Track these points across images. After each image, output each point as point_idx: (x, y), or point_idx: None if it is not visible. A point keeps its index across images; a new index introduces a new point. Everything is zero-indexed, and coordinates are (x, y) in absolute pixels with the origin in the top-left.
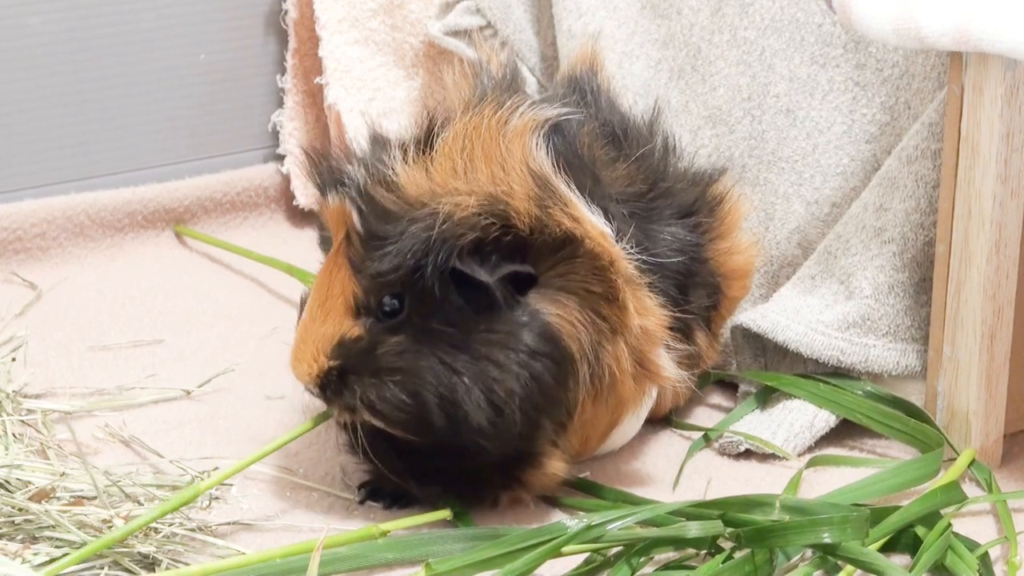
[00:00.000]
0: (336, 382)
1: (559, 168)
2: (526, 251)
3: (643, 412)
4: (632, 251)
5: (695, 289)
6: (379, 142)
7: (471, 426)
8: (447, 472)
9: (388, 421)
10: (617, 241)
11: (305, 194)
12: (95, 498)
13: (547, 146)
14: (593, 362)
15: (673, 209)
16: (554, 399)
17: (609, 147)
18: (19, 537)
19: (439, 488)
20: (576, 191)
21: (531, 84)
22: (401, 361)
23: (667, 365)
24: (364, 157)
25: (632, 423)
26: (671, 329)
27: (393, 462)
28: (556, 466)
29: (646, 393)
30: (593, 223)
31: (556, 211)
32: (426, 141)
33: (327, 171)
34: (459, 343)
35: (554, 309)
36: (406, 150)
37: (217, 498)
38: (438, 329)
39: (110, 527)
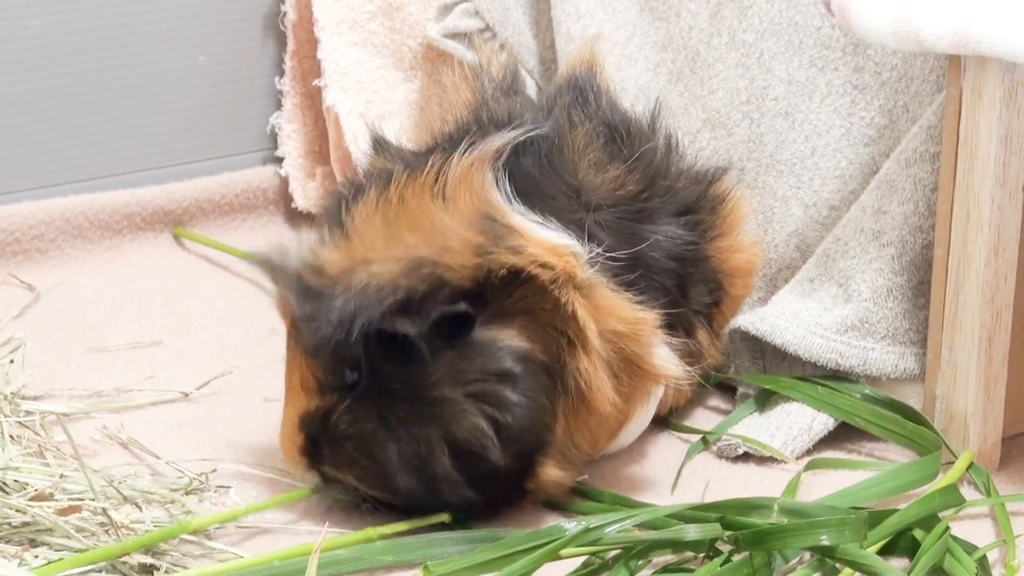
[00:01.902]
0: (312, 453)
1: (517, 191)
2: (472, 296)
3: (651, 408)
4: (600, 255)
5: (695, 286)
6: (381, 146)
7: (442, 476)
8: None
9: (366, 484)
10: (585, 249)
11: (304, 196)
12: (93, 500)
13: (505, 172)
14: (560, 374)
15: (672, 207)
16: (542, 400)
17: (606, 149)
18: (17, 539)
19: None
20: (527, 215)
21: (530, 87)
22: (355, 426)
23: (669, 363)
24: (296, 246)
25: (641, 420)
26: (670, 327)
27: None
28: (552, 473)
29: (652, 392)
30: (540, 243)
31: (498, 253)
32: (338, 221)
33: (271, 268)
34: (409, 395)
35: (510, 331)
36: (322, 233)
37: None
38: (390, 388)
39: (108, 530)
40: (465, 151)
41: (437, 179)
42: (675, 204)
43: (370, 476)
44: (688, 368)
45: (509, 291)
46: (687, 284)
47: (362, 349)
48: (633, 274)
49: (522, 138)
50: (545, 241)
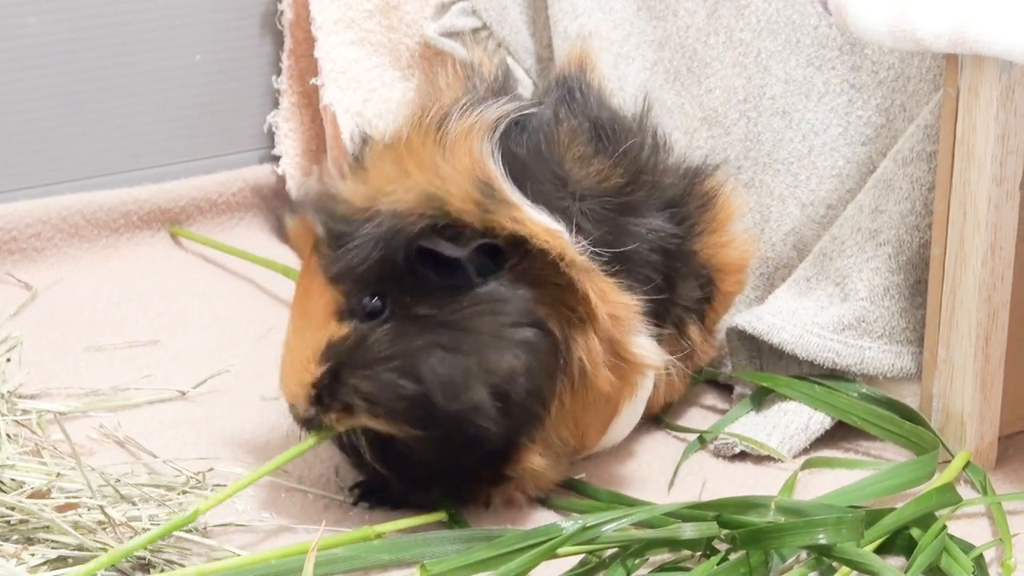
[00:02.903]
0: (330, 385)
1: (508, 172)
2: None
3: (640, 405)
4: (586, 244)
5: (683, 281)
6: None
7: (472, 403)
8: (440, 475)
9: (388, 412)
10: (572, 236)
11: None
12: (91, 498)
13: (499, 149)
14: (565, 352)
15: (656, 202)
16: (550, 371)
17: (591, 144)
18: (15, 538)
19: (433, 493)
20: (520, 195)
21: (527, 86)
22: (394, 346)
23: (648, 352)
24: (313, 183)
25: (629, 416)
26: (656, 318)
27: (388, 469)
28: (536, 461)
29: (638, 384)
30: (536, 221)
31: (500, 215)
32: (358, 158)
33: (283, 202)
34: (447, 322)
35: (526, 293)
36: (342, 169)
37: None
38: (423, 314)
39: (105, 528)
40: (464, 109)
41: (439, 127)
42: (660, 199)
43: (401, 403)
44: (669, 357)
45: (518, 256)
46: (674, 278)
47: (405, 269)
48: (616, 265)
49: (518, 114)
50: (540, 220)
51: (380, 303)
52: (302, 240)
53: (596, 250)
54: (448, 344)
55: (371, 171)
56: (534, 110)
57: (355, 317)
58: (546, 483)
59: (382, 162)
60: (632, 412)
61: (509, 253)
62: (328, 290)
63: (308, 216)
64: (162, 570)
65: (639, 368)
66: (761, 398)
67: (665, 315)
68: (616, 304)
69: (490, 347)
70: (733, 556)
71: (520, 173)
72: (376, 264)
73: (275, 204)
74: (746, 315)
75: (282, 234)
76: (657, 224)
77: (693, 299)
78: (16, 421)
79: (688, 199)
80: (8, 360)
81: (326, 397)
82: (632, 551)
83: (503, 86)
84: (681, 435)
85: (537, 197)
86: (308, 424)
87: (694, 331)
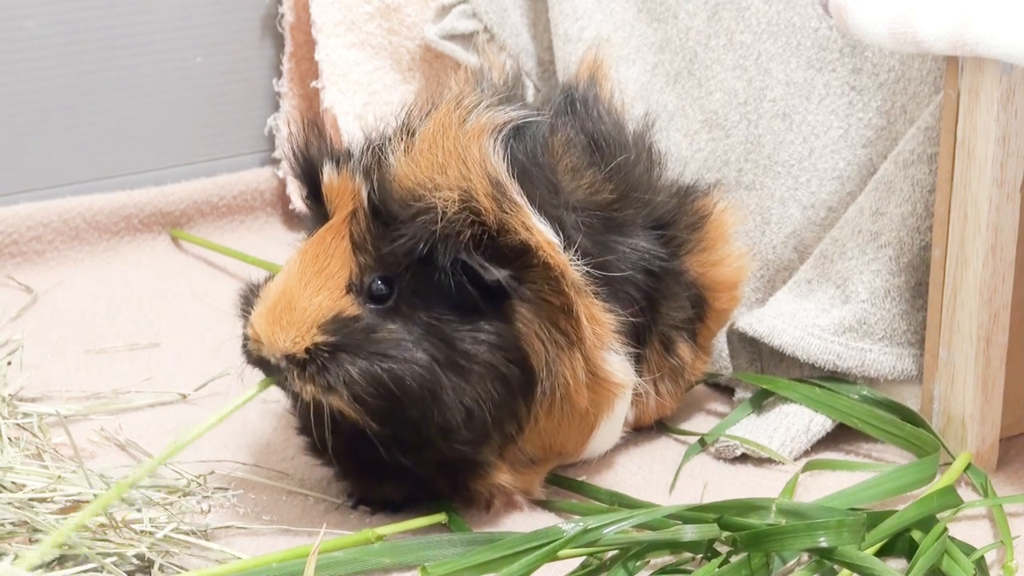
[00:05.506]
0: (324, 362)
1: (513, 175)
2: (495, 252)
3: (616, 421)
4: (578, 261)
5: (670, 300)
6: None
7: (441, 423)
8: (395, 472)
9: (364, 405)
10: (565, 250)
11: (301, 198)
12: (92, 501)
13: (504, 151)
14: (548, 375)
15: (645, 220)
16: (513, 411)
17: (584, 155)
18: (17, 540)
19: (386, 489)
20: (526, 200)
21: (527, 88)
22: (396, 349)
23: (617, 370)
24: (370, 143)
25: (605, 434)
26: (634, 338)
27: (345, 461)
28: (502, 477)
29: (614, 399)
30: (542, 231)
31: (512, 217)
32: (409, 133)
33: (323, 147)
34: (449, 339)
35: (518, 322)
36: (397, 143)
37: (209, 497)
38: (428, 322)
39: (106, 531)
40: (482, 107)
41: (465, 120)
42: (650, 216)
43: (379, 402)
44: (637, 378)
45: (513, 269)
46: (657, 298)
47: (443, 275)
48: (598, 281)
49: (522, 120)
50: (545, 232)
51: (387, 289)
52: (338, 195)
53: (586, 268)
54: (444, 362)
55: (420, 155)
56: (538, 118)
57: (360, 293)
58: (521, 494)
59: (429, 147)
60: (608, 431)
61: (512, 266)
62: (352, 259)
63: (356, 178)
64: (162, 569)
65: (608, 386)
66: (762, 401)
67: (646, 334)
68: (597, 322)
69: (477, 380)
70: (734, 558)
71: (520, 176)
72: (406, 255)
73: (311, 144)
74: (747, 317)
75: (301, 174)
76: (642, 245)
77: (681, 318)
78: (17, 424)
79: (679, 218)
80: (9, 363)
81: (312, 369)
82: (633, 553)
83: (512, 90)
84: (682, 438)
85: (533, 201)
86: (265, 368)
87: (684, 349)
